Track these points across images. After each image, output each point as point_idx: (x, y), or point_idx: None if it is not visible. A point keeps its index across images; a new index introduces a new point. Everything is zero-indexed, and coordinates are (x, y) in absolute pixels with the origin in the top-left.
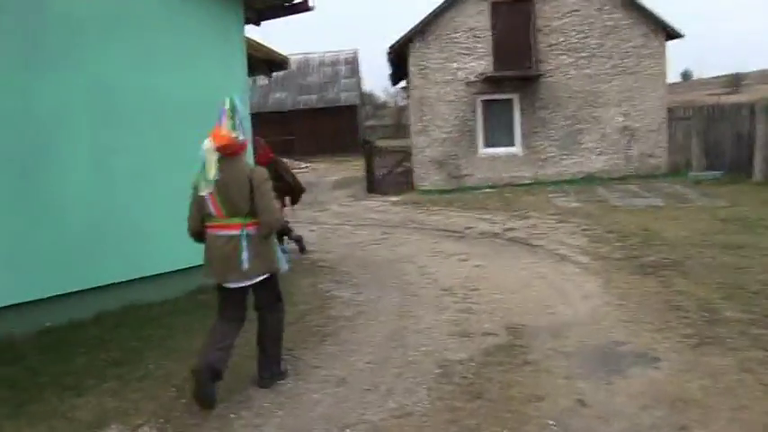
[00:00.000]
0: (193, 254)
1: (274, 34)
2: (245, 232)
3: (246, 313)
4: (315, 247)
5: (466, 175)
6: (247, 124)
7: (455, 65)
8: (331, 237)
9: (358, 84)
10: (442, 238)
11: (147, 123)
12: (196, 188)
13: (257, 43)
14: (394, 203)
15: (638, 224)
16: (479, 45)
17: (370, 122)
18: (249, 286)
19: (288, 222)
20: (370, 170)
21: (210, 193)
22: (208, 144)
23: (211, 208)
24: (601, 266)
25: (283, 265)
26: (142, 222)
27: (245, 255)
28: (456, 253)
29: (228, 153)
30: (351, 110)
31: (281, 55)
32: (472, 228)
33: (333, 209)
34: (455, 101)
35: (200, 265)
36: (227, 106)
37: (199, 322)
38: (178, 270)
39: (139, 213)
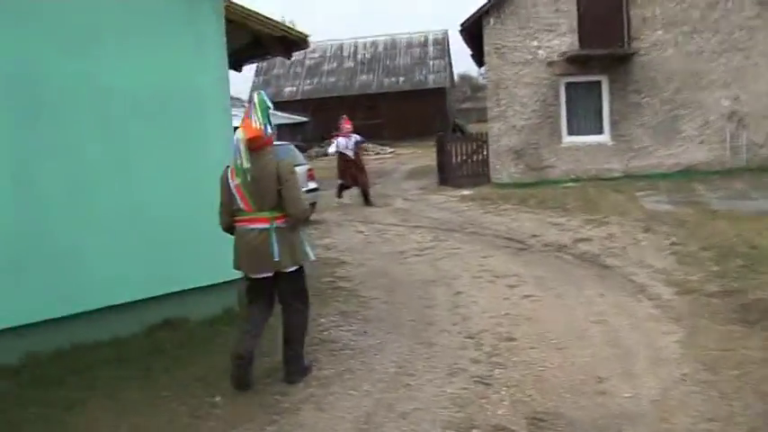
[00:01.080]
0: (149, 282)
1: (360, 16)
2: (274, 225)
3: (274, 302)
4: (350, 258)
5: (547, 167)
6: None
7: (535, 43)
8: (375, 242)
9: (448, 65)
10: (499, 250)
11: (84, 120)
12: (224, 181)
13: (266, 18)
14: (462, 199)
15: (743, 237)
16: (563, 20)
17: (466, 105)
18: (276, 278)
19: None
20: (441, 161)
21: (238, 187)
22: (240, 134)
23: (240, 202)
24: (687, 306)
25: (310, 255)
26: (81, 245)
27: (275, 247)
28: (507, 274)
29: (256, 146)
30: (440, 92)
31: (297, 32)
32: (538, 236)
33: (395, 204)
34: (535, 83)
35: (162, 295)
36: (257, 100)
37: (131, 380)
38: (136, 301)
39: (77, 234)
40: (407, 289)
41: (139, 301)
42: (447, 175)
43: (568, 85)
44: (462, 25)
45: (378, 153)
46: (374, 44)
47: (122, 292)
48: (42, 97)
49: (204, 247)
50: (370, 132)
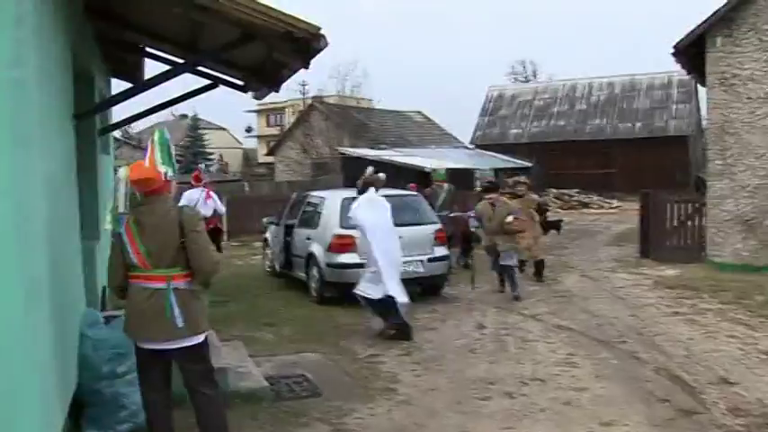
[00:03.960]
0: None
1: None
2: (171, 285)
3: (170, 384)
4: (410, 380)
5: None
6: None
7: None
8: (479, 352)
9: (694, 110)
10: (646, 406)
11: None
12: (117, 230)
13: (258, 4)
14: (656, 284)
15: None
16: None
17: None
18: (175, 352)
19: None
20: (644, 226)
21: (132, 240)
22: (122, 173)
23: (133, 257)
24: None
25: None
26: None
27: (176, 311)
28: None
29: (150, 190)
30: (682, 141)
31: (306, 24)
32: (731, 384)
33: (566, 283)
34: None
35: None
36: (156, 138)
37: None
38: None
39: None
40: None
41: None
42: (650, 246)
43: None
44: (676, 47)
45: (600, 206)
46: (610, 85)
47: None
48: None
49: None
50: (600, 183)
